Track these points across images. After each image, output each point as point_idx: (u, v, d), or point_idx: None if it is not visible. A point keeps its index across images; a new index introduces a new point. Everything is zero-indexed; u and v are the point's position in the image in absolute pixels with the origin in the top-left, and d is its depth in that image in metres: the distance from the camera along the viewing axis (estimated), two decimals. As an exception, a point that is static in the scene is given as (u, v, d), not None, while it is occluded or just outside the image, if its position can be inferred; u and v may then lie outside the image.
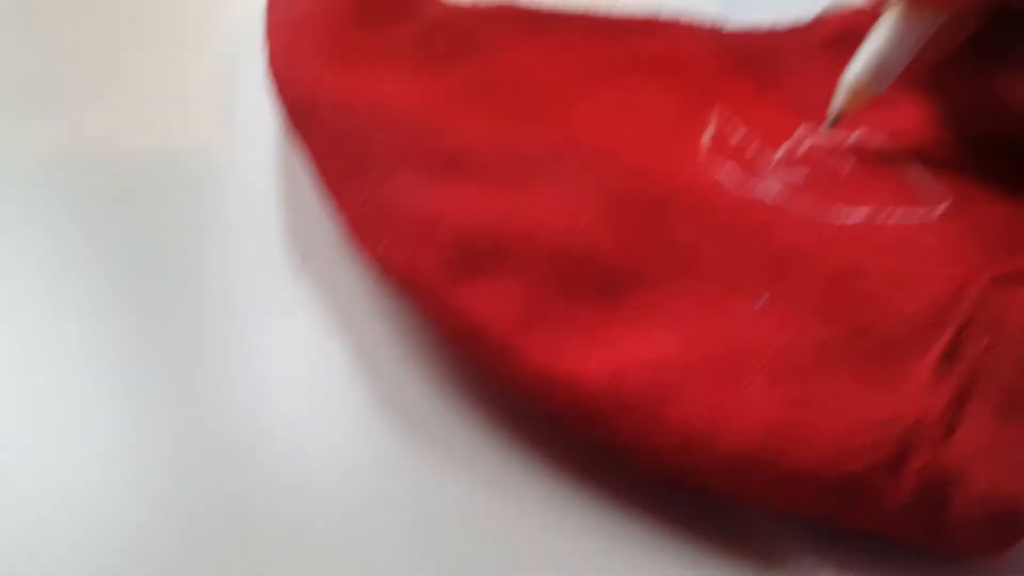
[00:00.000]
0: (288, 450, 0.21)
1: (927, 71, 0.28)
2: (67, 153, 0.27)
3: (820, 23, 0.31)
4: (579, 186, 0.24)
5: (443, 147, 0.24)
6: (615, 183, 0.25)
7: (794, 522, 0.20)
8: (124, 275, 0.24)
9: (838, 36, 0.30)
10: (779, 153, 0.27)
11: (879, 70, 0.26)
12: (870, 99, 0.27)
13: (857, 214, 0.25)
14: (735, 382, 0.20)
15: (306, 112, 0.24)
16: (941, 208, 0.26)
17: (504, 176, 0.24)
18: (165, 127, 0.29)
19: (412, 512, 0.20)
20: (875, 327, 0.22)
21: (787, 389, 0.20)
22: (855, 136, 0.28)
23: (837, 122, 0.27)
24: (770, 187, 0.26)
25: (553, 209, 0.23)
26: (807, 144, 0.28)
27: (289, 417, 0.22)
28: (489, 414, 0.22)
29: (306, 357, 0.23)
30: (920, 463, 0.19)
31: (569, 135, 0.26)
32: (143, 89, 0.30)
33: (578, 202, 0.24)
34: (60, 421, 0.21)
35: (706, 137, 0.27)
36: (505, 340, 0.20)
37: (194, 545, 0.19)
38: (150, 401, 0.22)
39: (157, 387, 0.22)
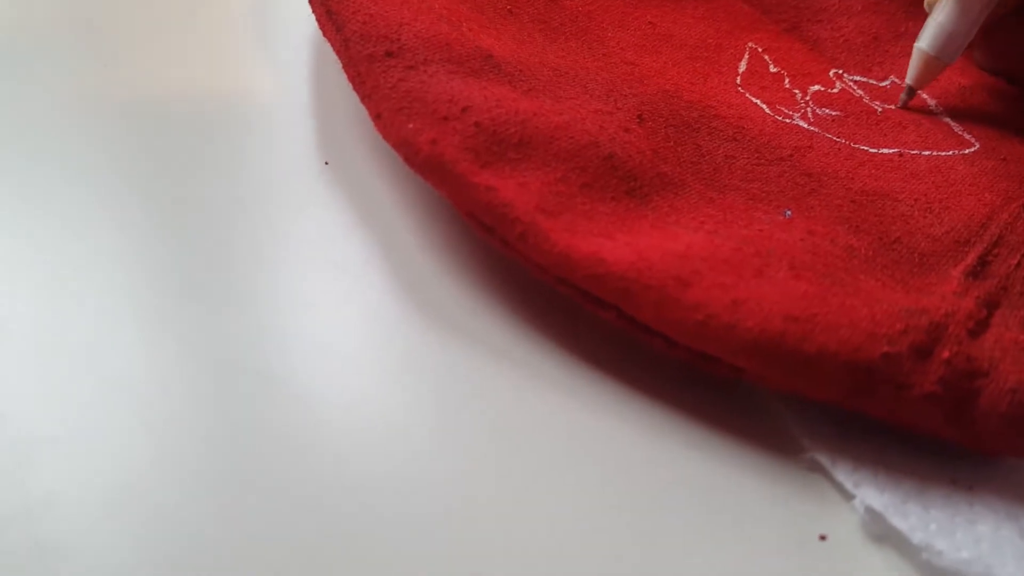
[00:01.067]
0: (311, 332, 0.21)
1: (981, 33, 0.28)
2: (113, 89, 0.28)
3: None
4: (610, 99, 0.25)
5: (474, 47, 0.24)
6: (648, 98, 0.25)
7: (811, 416, 0.20)
8: (165, 191, 0.24)
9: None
10: (811, 91, 0.28)
11: (949, 41, 0.27)
12: (942, 70, 0.27)
13: (887, 151, 0.25)
14: (760, 274, 0.20)
15: None
16: (969, 151, 0.26)
17: (532, 82, 0.24)
18: (207, 59, 0.30)
19: (432, 396, 0.20)
20: (903, 240, 0.22)
21: (811, 282, 0.20)
22: (888, 83, 0.29)
23: (912, 95, 0.28)
24: (804, 116, 0.26)
25: (581, 114, 0.23)
26: (839, 86, 0.28)
27: (314, 302, 0.22)
28: (510, 301, 0.22)
29: (332, 248, 0.23)
30: (949, 353, 0.19)
31: (601, 56, 0.27)
32: (185, 27, 0.31)
33: (607, 112, 0.24)
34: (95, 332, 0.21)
35: (742, 66, 0.28)
36: (529, 219, 0.20)
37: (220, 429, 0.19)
38: (193, 278, 0.22)
39: (199, 273, 0.22)
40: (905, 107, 0.28)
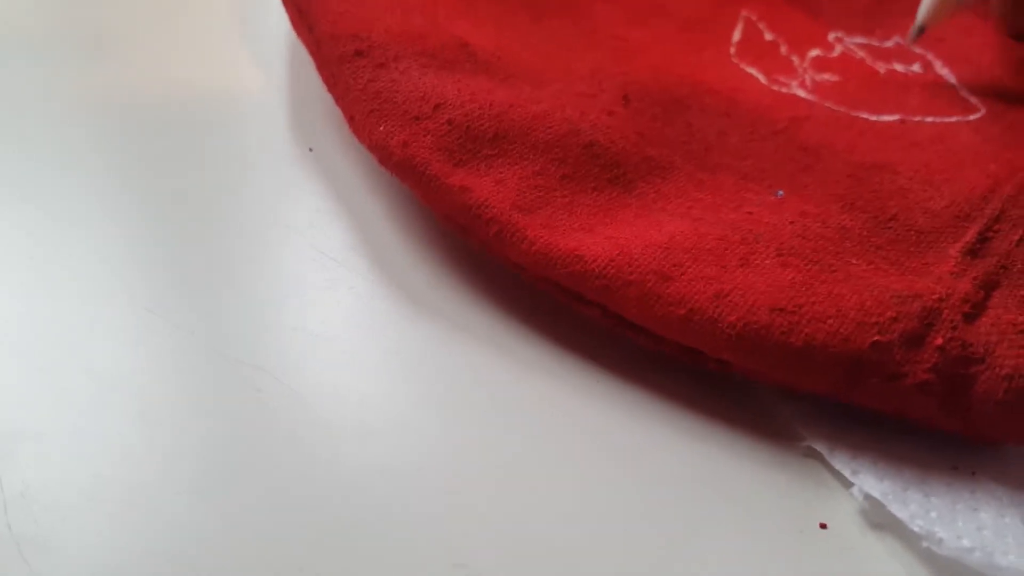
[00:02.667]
0: (297, 319, 0.21)
1: None
2: (100, 83, 0.29)
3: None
4: (594, 80, 0.24)
5: (449, 36, 0.24)
6: (635, 76, 0.25)
7: (807, 405, 0.20)
8: (151, 182, 0.25)
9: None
10: (809, 57, 0.27)
11: None
12: (955, 11, 0.26)
13: (888, 117, 0.25)
14: (745, 262, 0.20)
15: None
16: (974, 117, 0.25)
17: (511, 68, 0.24)
18: (192, 53, 0.30)
19: (421, 384, 0.20)
20: (900, 217, 0.21)
21: (799, 269, 0.19)
22: (891, 43, 0.28)
23: (920, 34, 0.27)
24: (802, 84, 0.26)
25: (562, 100, 0.23)
26: (839, 49, 0.28)
27: (300, 289, 0.22)
28: (500, 289, 0.22)
29: (318, 235, 0.23)
30: (942, 339, 0.18)
31: (587, 32, 0.26)
32: (171, 21, 0.32)
33: (590, 95, 0.24)
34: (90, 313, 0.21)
35: (736, 35, 0.27)
36: (505, 218, 0.20)
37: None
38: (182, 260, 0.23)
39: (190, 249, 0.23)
40: (914, 40, 0.26)
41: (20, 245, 0.23)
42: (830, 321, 0.18)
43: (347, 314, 0.22)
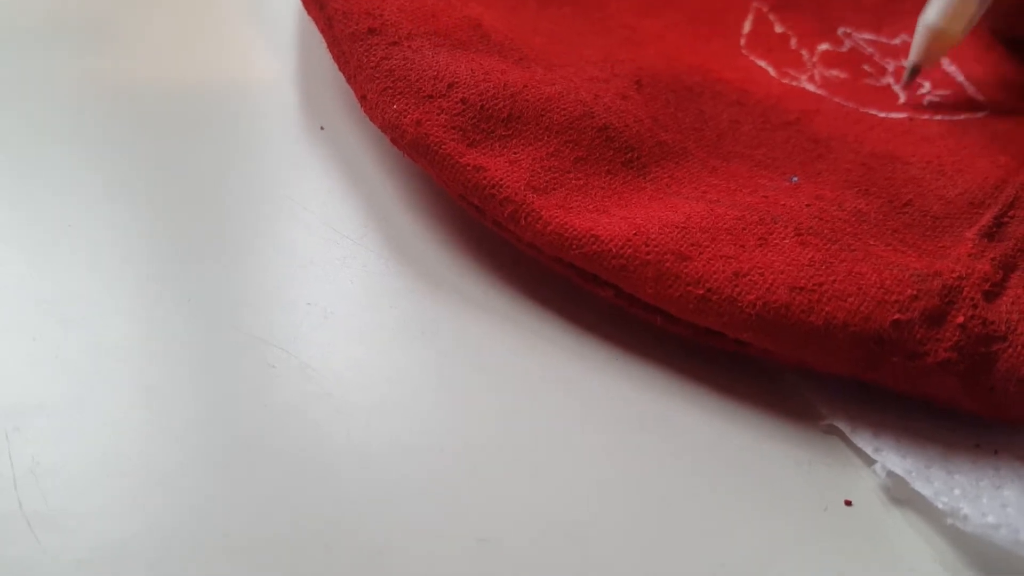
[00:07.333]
0: (309, 295, 0.22)
1: None
2: (115, 69, 0.29)
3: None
4: (606, 64, 0.25)
5: (462, 16, 0.25)
6: (647, 63, 0.26)
7: (827, 383, 0.21)
8: (163, 158, 0.26)
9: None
10: (819, 51, 0.29)
11: (959, 13, 0.26)
12: (952, 47, 0.27)
13: (897, 115, 0.27)
14: (763, 242, 0.21)
15: None
16: (981, 115, 0.27)
17: (524, 50, 0.25)
18: (205, 34, 0.31)
19: (433, 360, 0.21)
20: (915, 203, 0.22)
21: (818, 249, 0.20)
22: (899, 40, 0.30)
23: (915, 75, 0.27)
24: (811, 79, 0.27)
25: (575, 83, 0.24)
26: (848, 45, 0.29)
27: (312, 266, 0.23)
28: (513, 265, 0.23)
29: (329, 211, 0.24)
30: (963, 318, 0.19)
31: (598, 20, 0.28)
32: (182, 9, 0.33)
33: (603, 79, 0.25)
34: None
35: (746, 26, 0.29)
36: (519, 198, 0.21)
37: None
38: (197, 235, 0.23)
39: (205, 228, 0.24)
40: (908, 86, 0.28)
41: (24, 216, 0.23)
42: (850, 299, 0.19)
43: (360, 291, 0.22)
